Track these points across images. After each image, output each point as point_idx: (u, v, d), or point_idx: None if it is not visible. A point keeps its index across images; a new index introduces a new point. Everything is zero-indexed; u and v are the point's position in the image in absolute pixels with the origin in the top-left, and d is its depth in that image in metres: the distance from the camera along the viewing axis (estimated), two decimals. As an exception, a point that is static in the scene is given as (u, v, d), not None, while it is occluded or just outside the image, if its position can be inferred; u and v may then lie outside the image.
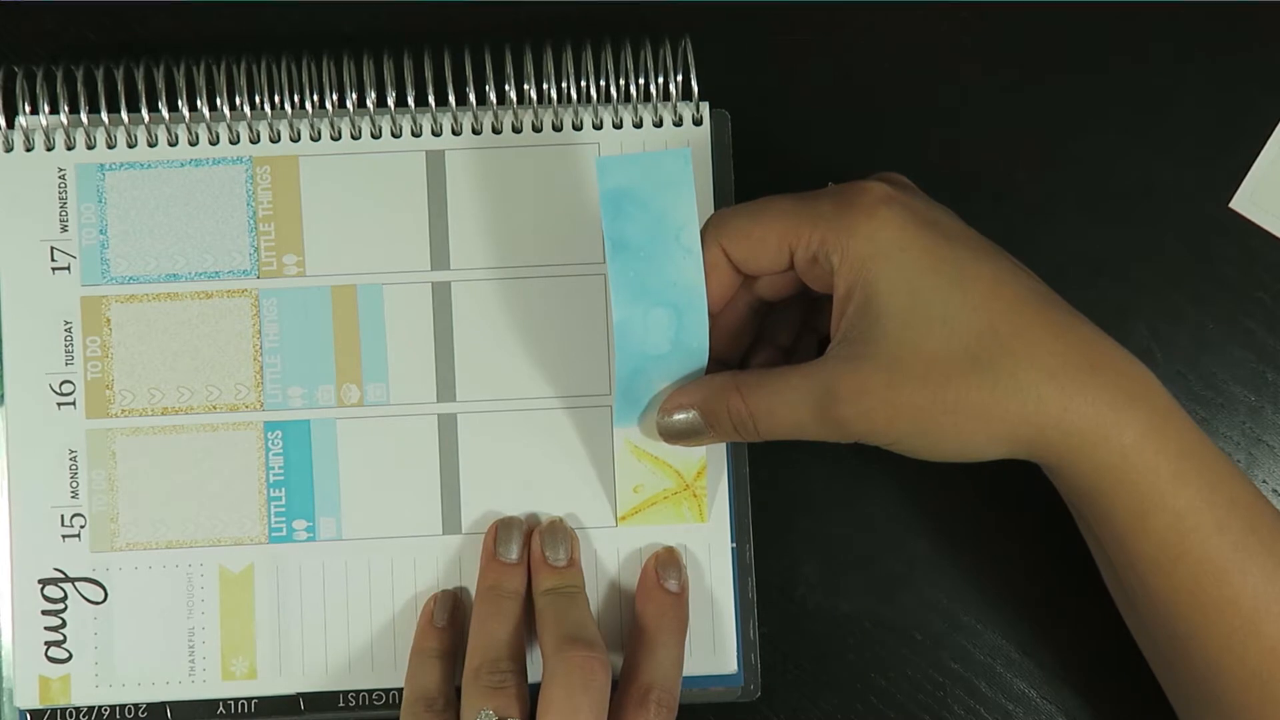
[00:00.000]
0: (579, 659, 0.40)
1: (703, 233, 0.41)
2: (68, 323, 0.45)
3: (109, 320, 0.46)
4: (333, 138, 0.46)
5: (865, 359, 0.39)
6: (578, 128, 0.46)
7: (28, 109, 0.45)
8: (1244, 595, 0.38)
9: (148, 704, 0.45)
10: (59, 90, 0.45)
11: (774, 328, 0.45)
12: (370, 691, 0.45)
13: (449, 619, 0.44)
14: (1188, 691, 0.41)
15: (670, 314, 0.41)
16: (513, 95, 0.45)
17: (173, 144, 0.46)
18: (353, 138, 0.46)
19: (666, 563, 0.45)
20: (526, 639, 0.44)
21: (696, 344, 0.42)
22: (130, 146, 0.46)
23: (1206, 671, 0.39)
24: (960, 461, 0.40)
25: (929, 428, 0.39)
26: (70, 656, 0.45)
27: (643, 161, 0.41)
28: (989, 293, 0.39)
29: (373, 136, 0.46)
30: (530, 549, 0.44)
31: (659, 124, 0.46)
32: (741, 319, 0.43)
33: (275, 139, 0.46)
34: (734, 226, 0.41)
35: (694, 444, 0.43)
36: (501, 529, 0.45)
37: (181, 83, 0.45)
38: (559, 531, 0.45)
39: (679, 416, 0.42)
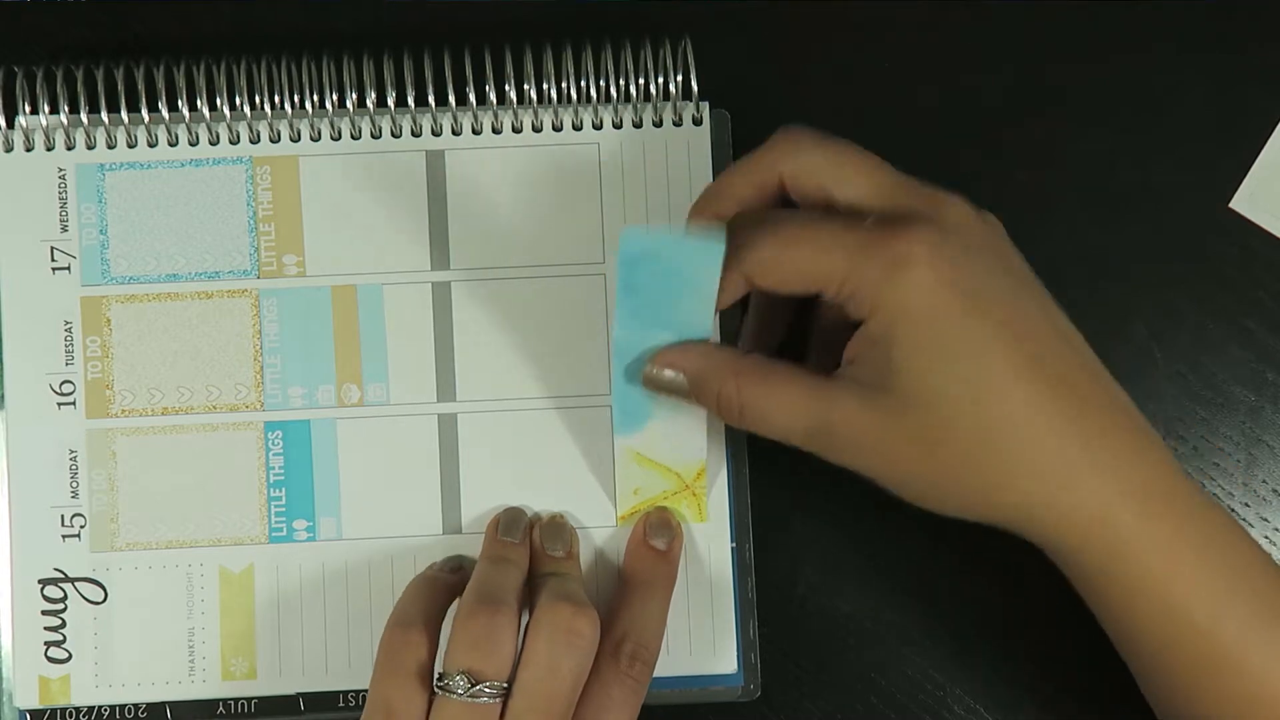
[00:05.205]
0: (567, 611, 0.40)
1: (726, 256, 0.39)
2: (68, 323, 0.45)
3: (109, 320, 0.46)
4: (333, 138, 0.46)
5: (871, 404, 0.38)
6: (578, 128, 0.46)
7: (28, 109, 0.45)
8: (1242, 682, 0.38)
9: (148, 704, 0.45)
10: (59, 90, 0.45)
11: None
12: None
13: (458, 563, 0.44)
14: None
15: (673, 339, 0.41)
16: (513, 95, 0.45)
17: (173, 144, 0.46)
18: (353, 138, 0.46)
19: (656, 524, 0.45)
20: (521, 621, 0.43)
21: None
22: (130, 146, 0.46)
23: None
24: (937, 514, 0.40)
25: (916, 485, 0.39)
26: (70, 656, 0.45)
27: (670, 239, 0.39)
28: (1008, 384, 0.38)
29: (373, 136, 0.46)
30: (530, 540, 0.44)
31: (659, 124, 0.46)
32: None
33: (275, 139, 0.46)
34: (760, 259, 0.39)
35: (673, 398, 0.42)
36: (504, 515, 0.45)
37: (181, 83, 0.45)
38: (559, 527, 0.45)
39: (668, 374, 0.42)
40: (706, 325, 0.41)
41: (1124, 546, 0.38)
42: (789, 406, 0.40)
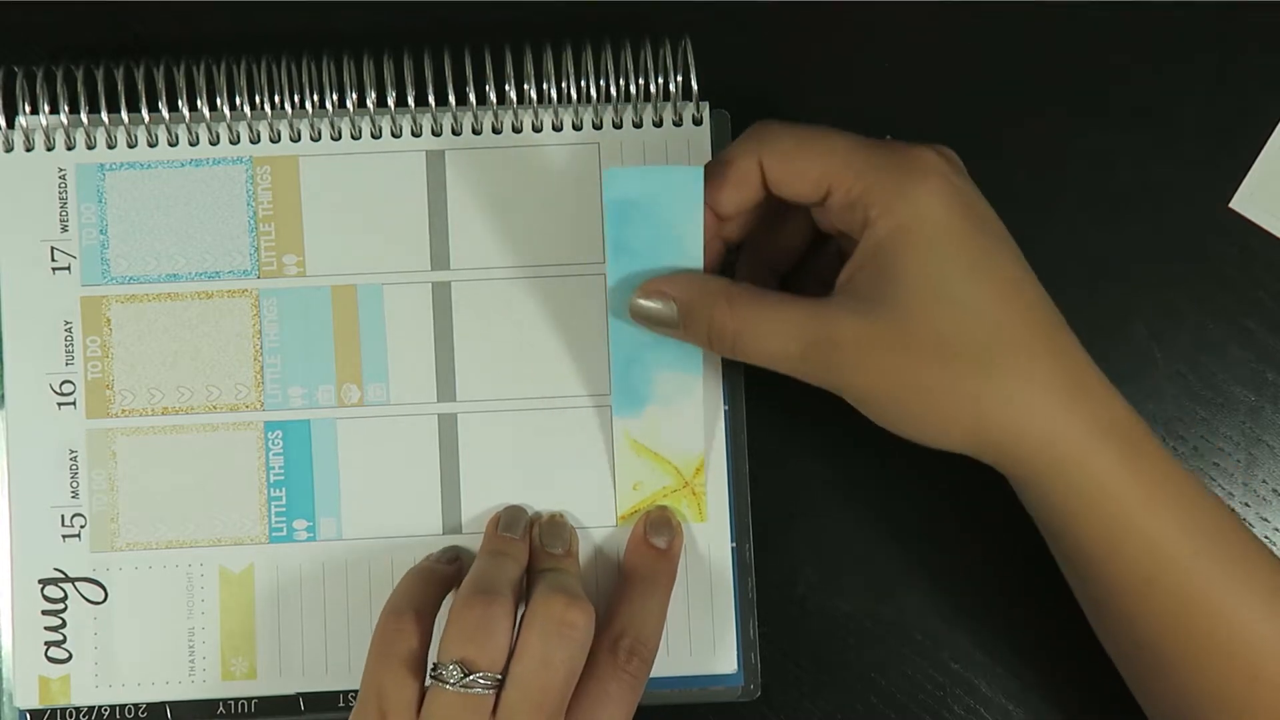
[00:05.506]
0: (561, 603, 0.40)
1: (743, 141, 0.41)
2: (68, 323, 0.45)
3: (109, 320, 0.46)
4: (333, 138, 0.46)
5: (874, 316, 0.39)
6: (578, 128, 0.46)
7: (28, 109, 0.45)
8: (1218, 622, 0.39)
9: (148, 704, 0.45)
10: (59, 90, 0.45)
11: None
12: (370, 691, 0.45)
13: (455, 554, 0.45)
14: (1164, 710, 0.41)
15: None
16: (513, 95, 0.45)
17: (173, 144, 0.46)
18: (353, 138, 0.46)
19: (656, 522, 0.45)
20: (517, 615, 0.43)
21: None
22: (130, 146, 0.46)
23: (1181, 693, 0.40)
24: (920, 443, 0.40)
25: (911, 399, 0.39)
26: (70, 656, 0.45)
27: (651, 175, 0.41)
28: (1008, 293, 0.39)
29: (373, 136, 0.46)
30: (530, 538, 0.44)
31: (659, 124, 0.46)
32: (716, 257, 0.43)
33: (275, 139, 0.46)
34: (780, 146, 0.40)
35: (660, 333, 0.42)
36: (505, 513, 0.45)
37: (181, 83, 0.45)
38: (559, 526, 0.45)
39: (655, 304, 0.41)
40: (697, 256, 0.41)
41: (1102, 487, 0.39)
42: (786, 325, 0.40)
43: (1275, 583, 0.39)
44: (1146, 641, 0.40)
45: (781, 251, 0.44)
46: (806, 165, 0.40)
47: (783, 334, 0.40)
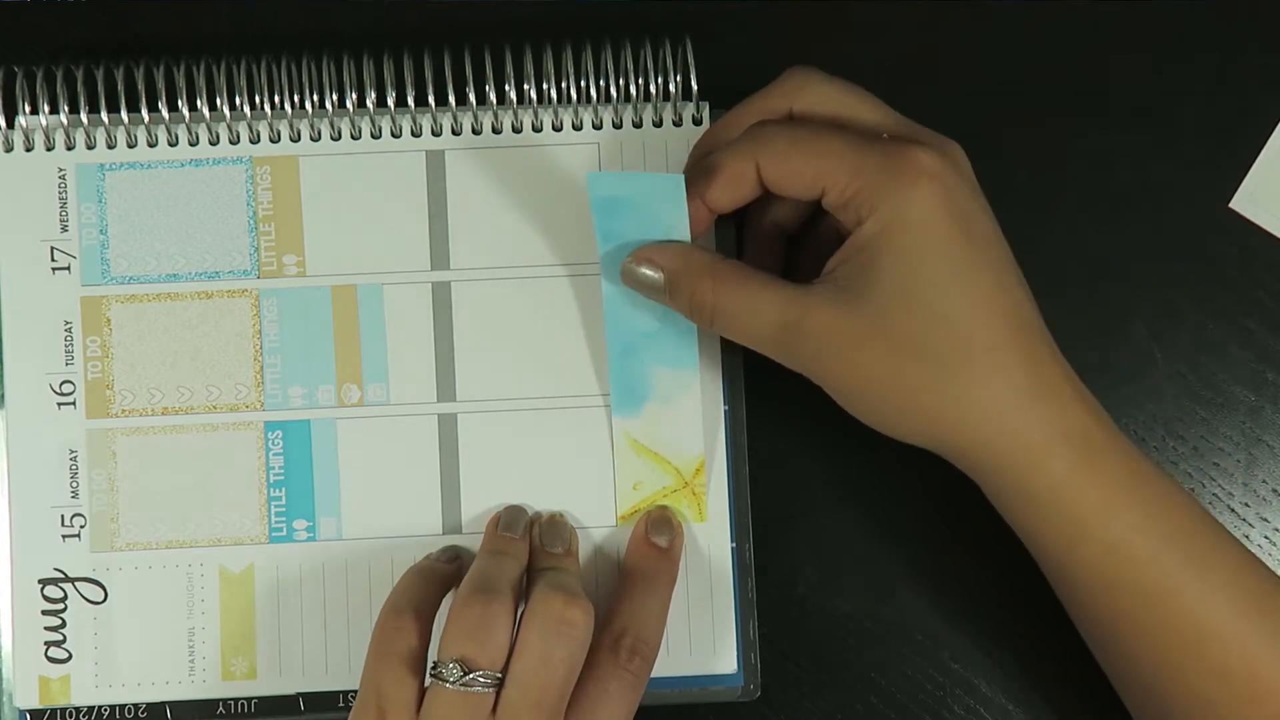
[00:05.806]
0: (560, 601, 0.40)
1: (739, 143, 0.41)
2: (68, 323, 0.45)
3: (109, 320, 0.46)
4: (333, 138, 0.46)
5: (847, 308, 0.39)
6: (578, 128, 0.46)
7: (28, 109, 0.45)
8: (1182, 619, 0.39)
9: (148, 704, 0.45)
10: (59, 90, 0.45)
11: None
12: (370, 691, 0.45)
13: (455, 553, 0.45)
14: (1138, 703, 0.42)
15: None
16: (513, 95, 0.45)
17: (173, 144, 0.46)
18: (353, 138, 0.46)
19: (658, 521, 0.45)
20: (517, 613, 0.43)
21: (686, 323, 0.43)
22: (130, 146, 0.46)
23: (1158, 696, 0.40)
24: (884, 433, 0.41)
25: (874, 393, 0.40)
26: (70, 656, 0.45)
27: (634, 180, 0.42)
28: (983, 302, 0.39)
29: (373, 136, 0.46)
30: (530, 538, 0.44)
31: (659, 124, 0.46)
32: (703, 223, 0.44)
33: (275, 139, 0.46)
34: (775, 148, 0.41)
35: (649, 297, 0.43)
36: (505, 513, 0.45)
37: (181, 83, 0.45)
38: (558, 525, 0.45)
39: (645, 270, 0.42)
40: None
41: (1057, 490, 0.39)
42: (763, 308, 0.40)
43: (1243, 579, 0.39)
44: (1120, 645, 0.40)
45: (786, 218, 0.45)
46: (801, 166, 0.40)
47: (759, 315, 0.40)
